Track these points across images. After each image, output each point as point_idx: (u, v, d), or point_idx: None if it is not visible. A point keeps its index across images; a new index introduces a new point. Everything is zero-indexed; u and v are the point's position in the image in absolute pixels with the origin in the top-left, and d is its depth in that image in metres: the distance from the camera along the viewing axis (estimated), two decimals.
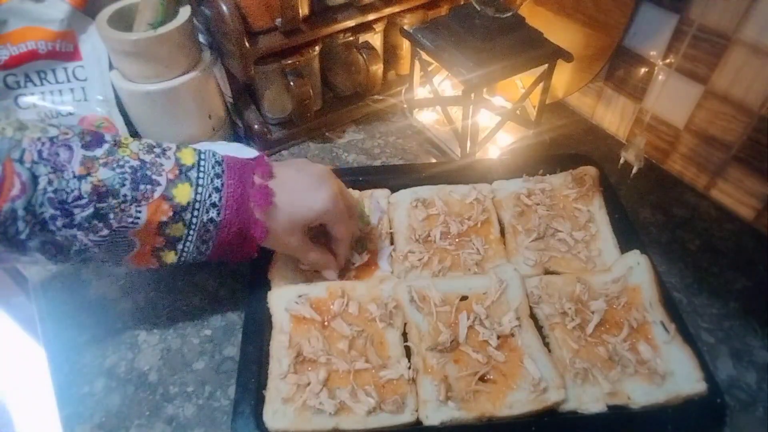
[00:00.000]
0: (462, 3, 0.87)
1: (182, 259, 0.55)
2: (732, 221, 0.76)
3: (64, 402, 0.58)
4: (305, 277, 0.65)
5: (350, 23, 0.83)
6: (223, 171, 0.54)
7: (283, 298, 0.60)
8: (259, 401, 0.53)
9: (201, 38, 0.83)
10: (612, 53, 0.80)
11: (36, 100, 0.81)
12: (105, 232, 0.49)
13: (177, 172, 0.52)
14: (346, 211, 0.61)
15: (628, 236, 0.68)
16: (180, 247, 0.54)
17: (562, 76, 0.87)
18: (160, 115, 0.79)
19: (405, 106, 0.91)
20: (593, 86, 0.89)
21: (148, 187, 0.50)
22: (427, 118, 0.91)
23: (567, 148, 0.88)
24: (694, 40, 0.72)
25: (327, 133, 0.91)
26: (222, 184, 0.54)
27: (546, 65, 0.77)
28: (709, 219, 0.76)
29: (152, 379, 0.59)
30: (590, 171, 0.74)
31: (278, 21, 0.75)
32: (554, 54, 0.76)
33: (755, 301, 0.66)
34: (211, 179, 0.53)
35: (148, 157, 0.51)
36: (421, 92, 0.90)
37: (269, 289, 0.62)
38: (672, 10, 0.73)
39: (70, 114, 0.82)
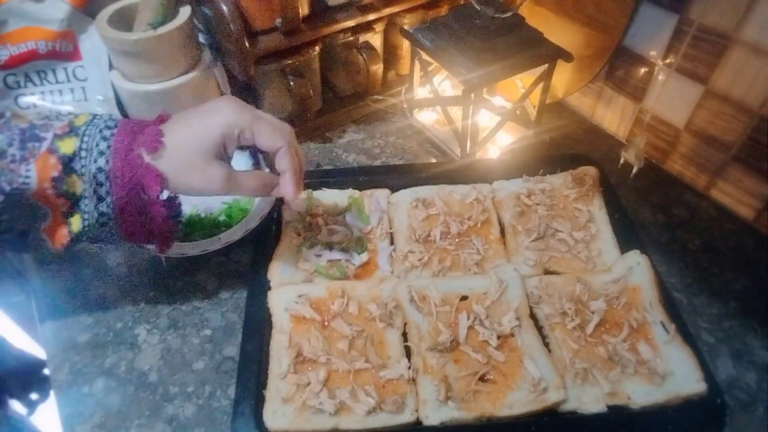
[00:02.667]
0: (462, 3, 0.87)
1: (86, 223, 0.51)
2: (732, 221, 0.76)
3: (64, 402, 0.58)
4: (305, 277, 0.65)
5: (350, 23, 0.83)
6: (115, 125, 0.52)
7: (283, 298, 0.60)
8: (259, 401, 0.53)
9: (201, 38, 0.82)
10: (612, 53, 0.80)
11: (36, 100, 0.81)
12: (0, 197, 0.48)
13: (67, 129, 0.51)
14: (262, 116, 0.55)
15: (628, 236, 0.68)
16: (82, 206, 0.51)
17: (562, 76, 0.87)
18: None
19: (405, 106, 0.91)
20: (593, 86, 0.89)
21: (35, 144, 0.49)
22: (427, 118, 0.91)
23: (567, 148, 0.88)
24: (694, 40, 0.72)
25: (327, 133, 0.91)
26: (111, 135, 0.51)
27: (546, 65, 0.77)
28: (709, 219, 0.76)
29: (152, 379, 0.59)
30: (590, 171, 0.74)
31: (278, 21, 0.75)
32: (554, 54, 0.76)
33: (755, 301, 0.66)
34: (100, 130, 0.51)
35: (40, 122, 0.51)
36: (421, 92, 0.90)
37: (269, 289, 0.62)
38: (672, 10, 0.73)
39: (70, 114, 0.82)
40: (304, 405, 0.52)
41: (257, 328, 0.59)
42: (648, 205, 0.78)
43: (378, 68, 0.89)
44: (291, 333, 0.58)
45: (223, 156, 0.54)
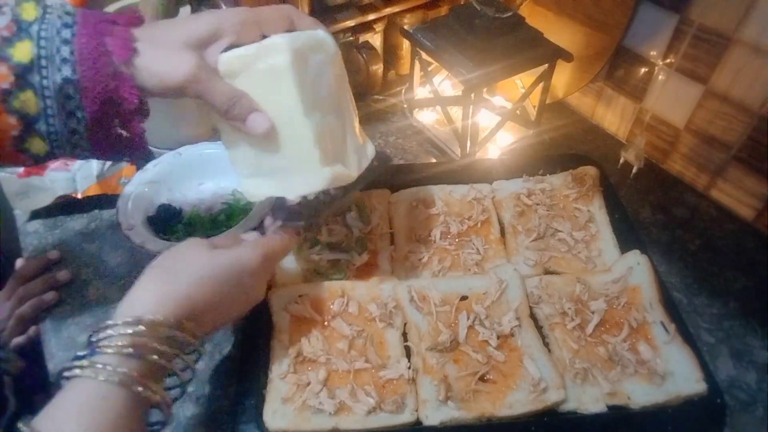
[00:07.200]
0: (462, 3, 0.87)
1: (55, 145, 0.45)
2: (732, 221, 0.76)
3: None
4: (305, 277, 0.65)
5: (350, 23, 0.83)
6: (74, 22, 0.44)
7: (283, 298, 0.60)
8: (259, 401, 0.53)
9: None
10: (612, 53, 0.80)
11: None
12: None
13: (14, 28, 0.42)
14: (259, 8, 0.49)
15: (628, 236, 0.68)
16: (42, 128, 0.44)
17: (562, 76, 0.87)
18: (159, 116, 0.77)
19: (405, 106, 0.91)
20: (593, 86, 0.89)
21: None
22: (427, 118, 0.91)
23: (567, 148, 0.88)
24: (694, 40, 0.72)
25: None
26: (72, 35, 0.43)
27: (546, 65, 0.77)
28: (709, 219, 0.76)
29: None
30: (590, 171, 0.74)
31: None
32: (554, 54, 0.76)
33: (755, 301, 0.66)
34: (58, 30, 0.43)
35: None
36: (421, 92, 0.90)
37: (269, 289, 0.62)
38: (672, 10, 0.73)
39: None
40: (304, 405, 0.52)
41: (257, 328, 0.59)
42: (648, 205, 0.78)
43: (378, 68, 0.89)
44: (291, 333, 0.58)
45: (203, 50, 0.47)
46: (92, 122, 0.45)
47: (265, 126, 0.47)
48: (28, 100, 0.42)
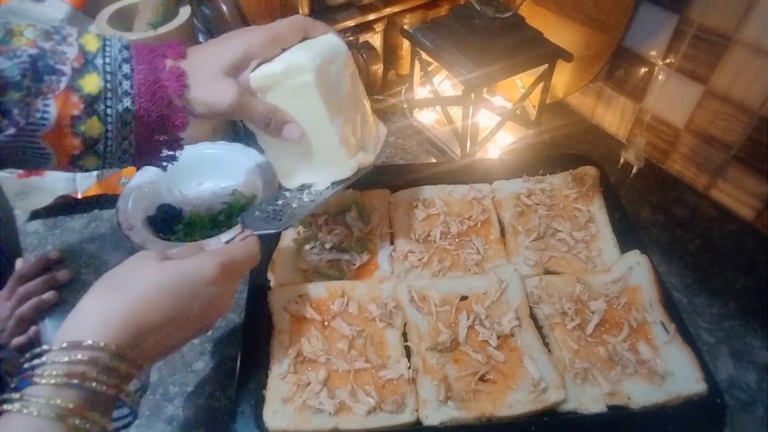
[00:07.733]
0: (462, 3, 0.88)
1: (106, 161, 0.51)
2: (732, 221, 0.76)
3: None
4: (305, 277, 0.65)
5: (350, 23, 0.83)
6: (130, 56, 0.49)
7: (283, 298, 0.60)
8: (259, 401, 0.53)
9: (201, 38, 0.82)
10: (612, 53, 0.80)
11: None
12: (11, 130, 0.44)
13: (82, 60, 0.47)
14: (276, 23, 0.54)
15: (628, 236, 0.68)
16: (100, 149, 0.49)
17: (562, 76, 0.87)
18: None
19: (405, 106, 0.91)
20: (593, 86, 0.89)
21: (53, 77, 0.45)
22: (427, 118, 0.91)
23: (567, 148, 0.88)
24: (694, 40, 0.72)
25: None
26: (131, 70, 0.48)
27: (546, 65, 0.77)
28: (709, 219, 0.76)
29: (152, 379, 0.59)
30: (590, 171, 0.74)
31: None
32: (554, 54, 0.76)
33: (755, 301, 0.66)
34: (119, 65, 0.48)
35: (47, 45, 0.46)
36: (421, 92, 0.90)
37: (269, 289, 0.62)
38: (672, 10, 0.73)
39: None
40: (304, 405, 0.52)
41: (257, 328, 0.59)
42: (648, 205, 0.78)
43: (378, 68, 0.89)
44: (291, 333, 0.58)
45: (238, 75, 0.52)
46: (142, 142, 0.51)
47: (297, 134, 0.54)
48: (92, 125, 0.47)
